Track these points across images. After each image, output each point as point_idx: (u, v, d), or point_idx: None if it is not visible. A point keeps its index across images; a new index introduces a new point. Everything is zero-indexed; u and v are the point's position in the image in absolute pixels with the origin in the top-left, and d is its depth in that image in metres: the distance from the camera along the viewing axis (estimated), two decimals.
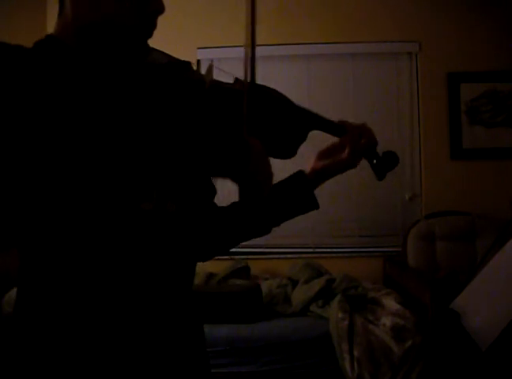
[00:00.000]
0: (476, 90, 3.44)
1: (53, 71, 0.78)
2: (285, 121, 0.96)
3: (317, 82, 3.52)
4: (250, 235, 1.05)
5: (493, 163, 3.42)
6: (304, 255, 3.44)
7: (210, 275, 3.11)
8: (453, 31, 3.46)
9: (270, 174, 0.87)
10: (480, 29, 3.44)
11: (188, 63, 0.91)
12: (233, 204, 1.03)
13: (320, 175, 1.05)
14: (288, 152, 0.97)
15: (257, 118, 0.91)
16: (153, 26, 0.84)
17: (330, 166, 1.04)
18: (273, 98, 0.95)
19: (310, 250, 3.50)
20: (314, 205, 1.06)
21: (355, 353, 2.41)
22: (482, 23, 3.44)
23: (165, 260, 0.84)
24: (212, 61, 3.38)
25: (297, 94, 3.57)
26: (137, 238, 0.80)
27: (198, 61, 3.44)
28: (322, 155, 1.05)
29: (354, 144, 1.01)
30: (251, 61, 0.88)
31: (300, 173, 1.06)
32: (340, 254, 3.46)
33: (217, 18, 3.47)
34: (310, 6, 3.50)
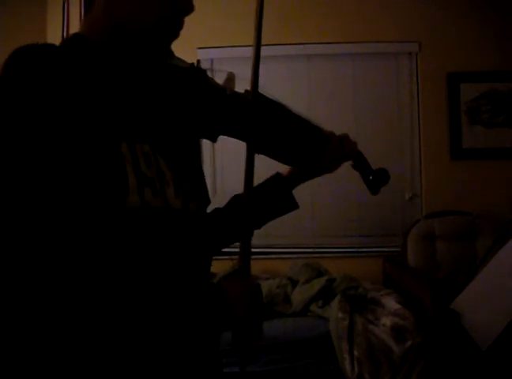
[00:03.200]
0: (476, 90, 3.44)
1: (84, 70, 0.79)
2: (299, 133, 1.03)
3: (317, 82, 3.51)
4: (234, 239, 1.06)
5: (493, 163, 3.42)
6: (304, 255, 3.43)
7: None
8: (453, 31, 3.46)
9: None
10: (480, 29, 3.44)
11: (205, 71, 0.94)
12: (216, 209, 1.06)
13: (297, 176, 1.09)
14: (299, 161, 1.05)
15: (274, 128, 0.99)
16: (180, 26, 0.84)
17: (308, 168, 1.08)
18: (289, 112, 1.02)
19: (310, 250, 3.50)
20: (293, 205, 1.09)
21: (355, 353, 2.41)
22: (482, 23, 3.44)
23: (189, 259, 0.85)
24: (211, 63, 3.39)
25: (297, 94, 3.59)
26: (166, 236, 0.80)
27: (198, 61, 3.44)
28: None
29: (334, 152, 1.06)
30: (255, 69, 0.92)
31: (277, 175, 1.09)
32: (340, 254, 3.45)
33: (217, 18, 3.47)
34: (310, 6, 3.50)
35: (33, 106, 0.70)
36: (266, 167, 1.10)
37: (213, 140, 0.98)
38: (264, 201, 1.06)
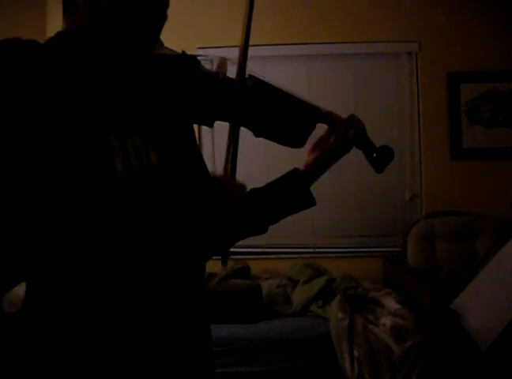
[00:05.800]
0: (476, 90, 3.44)
1: (70, 63, 0.78)
2: (295, 113, 1.03)
3: (317, 82, 3.51)
4: (248, 234, 1.05)
5: (493, 163, 3.42)
6: (304, 255, 3.44)
7: (210, 275, 3.12)
8: (453, 31, 3.46)
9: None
10: (479, 29, 3.44)
11: (196, 57, 0.94)
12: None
13: (314, 168, 1.07)
14: (298, 142, 1.04)
15: (269, 110, 0.99)
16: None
17: (321, 156, 1.06)
18: (284, 93, 1.03)
19: (310, 250, 3.50)
20: (310, 202, 1.08)
21: (355, 353, 2.41)
22: (482, 23, 3.44)
23: (175, 255, 0.83)
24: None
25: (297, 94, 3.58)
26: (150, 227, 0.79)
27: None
28: (313, 148, 1.08)
29: (340, 131, 1.05)
30: (242, 59, 0.92)
31: (295, 170, 1.08)
32: (340, 254, 3.45)
33: (217, 18, 3.47)
34: (310, 6, 3.50)
35: (15, 98, 0.70)
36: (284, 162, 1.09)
37: (210, 125, 0.98)
38: (281, 197, 1.05)
